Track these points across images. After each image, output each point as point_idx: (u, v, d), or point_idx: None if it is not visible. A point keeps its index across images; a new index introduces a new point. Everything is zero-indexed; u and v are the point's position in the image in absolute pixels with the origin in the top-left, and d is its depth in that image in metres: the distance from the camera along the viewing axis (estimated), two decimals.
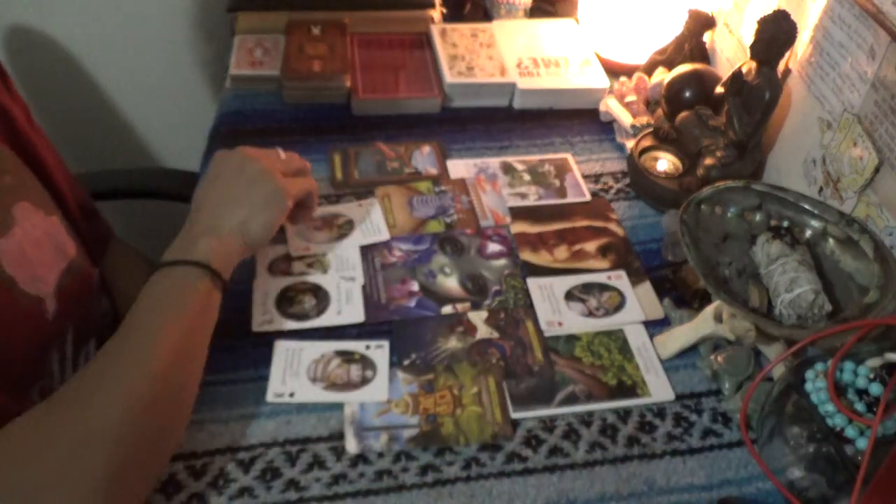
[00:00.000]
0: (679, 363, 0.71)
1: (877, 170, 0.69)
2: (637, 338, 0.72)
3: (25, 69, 1.34)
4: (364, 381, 0.66)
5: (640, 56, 1.05)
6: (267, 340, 0.69)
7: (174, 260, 0.63)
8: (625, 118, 0.95)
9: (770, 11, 0.78)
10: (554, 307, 0.74)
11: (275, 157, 0.74)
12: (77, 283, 0.73)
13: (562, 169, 0.91)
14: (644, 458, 0.63)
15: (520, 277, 0.77)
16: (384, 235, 0.80)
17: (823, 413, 0.56)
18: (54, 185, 0.78)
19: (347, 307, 0.72)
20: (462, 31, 1.08)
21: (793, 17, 0.77)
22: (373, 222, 0.82)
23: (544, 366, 0.69)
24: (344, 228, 0.81)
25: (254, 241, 0.68)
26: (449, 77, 0.98)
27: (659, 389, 0.68)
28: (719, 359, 0.69)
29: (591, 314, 0.74)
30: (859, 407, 0.56)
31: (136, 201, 1.07)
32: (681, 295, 0.77)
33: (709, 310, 0.70)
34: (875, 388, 0.56)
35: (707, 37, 1.03)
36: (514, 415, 0.65)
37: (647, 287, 0.77)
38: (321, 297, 0.73)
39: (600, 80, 1.00)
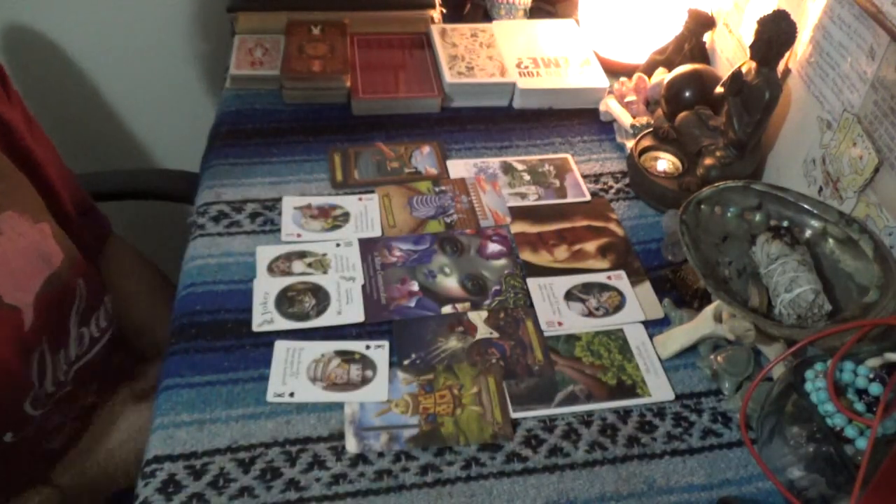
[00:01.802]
0: (679, 363, 0.71)
1: (876, 170, 0.69)
2: (637, 338, 0.72)
3: (24, 69, 1.34)
4: (364, 381, 0.66)
5: (639, 56, 1.05)
6: (267, 340, 0.69)
7: None
8: (625, 118, 0.95)
9: (770, 11, 0.78)
10: (554, 307, 0.74)
11: None
12: (56, 293, 0.72)
13: (562, 169, 0.91)
14: (644, 457, 0.63)
15: (520, 277, 0.77)
16: (377, 232, 0.80)
17: (823, 413, 0.56)
18: (48, 186, 0.78)
19: (347, 307, 0.72)
20: (462, 31, 1.08)
21: (793, 17, 0.77)
22: (368, 217, 0.82)
23: (544, 366, 0.69)
24: (339, 220, 0.81)
25: None
26: (449, 77, 0.98)
27: (659, 389, 0.68)
28: (719, 359, 0.69)
29: (591, 314, 0.74)
30: (859, 407, 0.56)
31: (135, 202, 1.08)
32: (681, 295, 0.77)
33: (709, 310, 0.70)
34: (875, 388, 0.56)
35: (707, 37, 1.03)
36: (514, 415, 0.65)
37: (647, 287, 0.77)
38: (321, 297, 0.73)
39: (600, 80, 1.00)
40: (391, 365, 0.68)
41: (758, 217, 0.75)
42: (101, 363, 0.82)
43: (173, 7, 1.31)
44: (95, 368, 0.81)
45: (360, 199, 0.84)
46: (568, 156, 0.93)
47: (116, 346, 0.86)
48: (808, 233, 0.74)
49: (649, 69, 1.03)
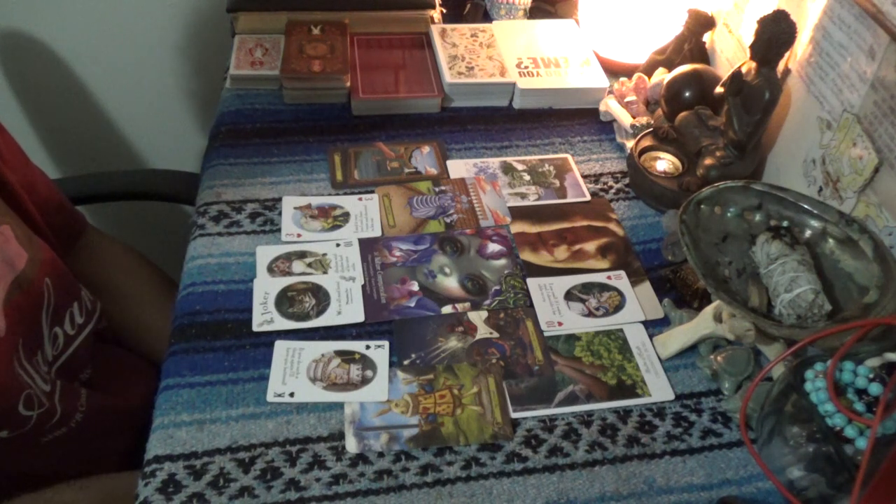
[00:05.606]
0: (679, 363, 0.71)
1: (876, 170, 0.69)
2: (637, 338, 0.72)
3: (24, 71, 1.34)
4: (364, 381, 0.66)
5: (639, 56, 1.05)
6: (267, 340, 0.69)
7: None
8: (625, 118, 0.95)
9: (770, 11, 0.78)
10: (554, 307, 0.74)
11: None
12: (24, 296, 0.72)
13: (562, 169, 0.91)
14: (644, 457, 0.63)
15: (520, 277, 0.77)
16: (377, 232, 0.80)
17: (823, 413, 0.56)
18: (8, 189, 0.77)
19: (347, 307, 0.72)
20: (462, 31, 1.08)
21: (792, 17, 0.77)
22: (368, 217, 0.82)
23: (544, 366, 0.69)
24: (339, 220, 0.81)
25: None
26: (449, 77, 0.98)
27: (659, 389, 0.68)
28: (719, 359, 0.69)
29: (591, 314, 0.74)
30: (859, 407, 0.56)
31: (136, 203, 1.07)
32: (681, 295, 0.77)
33: (709, 310, 0.70)
34: (875, 388, 0.56)
35: (707, 37, 1.03)
36: (514, 415, 0.65)
37: (646, 287, 0.77)
38: (321, 297, 0.73)
39: (600, 80, 1.00)
40: (391, 365, 0.68)
41: (758, 217, 0.75)
42: (86, 359, 0.81)
43: (173, 7, 1.31)
44: (80, 364, 0.81)
45: (360, 199, 0.84)
46: (568, 156, 0.93)
47: (102, 339, 0.85)
48: (808, 233, 0.74)
49: (649, 69, 1.03)
